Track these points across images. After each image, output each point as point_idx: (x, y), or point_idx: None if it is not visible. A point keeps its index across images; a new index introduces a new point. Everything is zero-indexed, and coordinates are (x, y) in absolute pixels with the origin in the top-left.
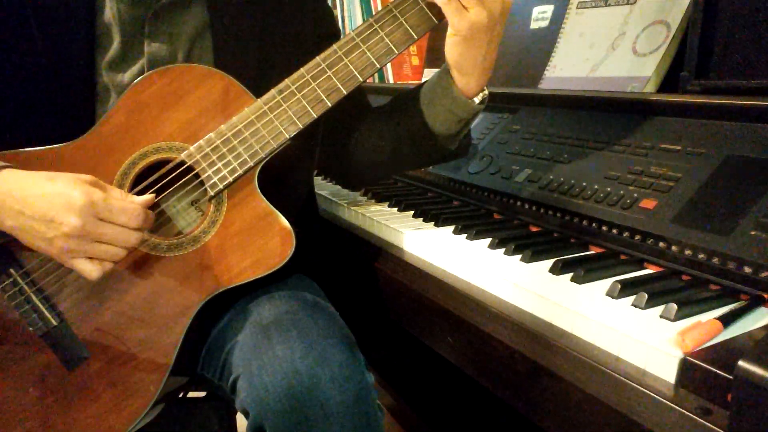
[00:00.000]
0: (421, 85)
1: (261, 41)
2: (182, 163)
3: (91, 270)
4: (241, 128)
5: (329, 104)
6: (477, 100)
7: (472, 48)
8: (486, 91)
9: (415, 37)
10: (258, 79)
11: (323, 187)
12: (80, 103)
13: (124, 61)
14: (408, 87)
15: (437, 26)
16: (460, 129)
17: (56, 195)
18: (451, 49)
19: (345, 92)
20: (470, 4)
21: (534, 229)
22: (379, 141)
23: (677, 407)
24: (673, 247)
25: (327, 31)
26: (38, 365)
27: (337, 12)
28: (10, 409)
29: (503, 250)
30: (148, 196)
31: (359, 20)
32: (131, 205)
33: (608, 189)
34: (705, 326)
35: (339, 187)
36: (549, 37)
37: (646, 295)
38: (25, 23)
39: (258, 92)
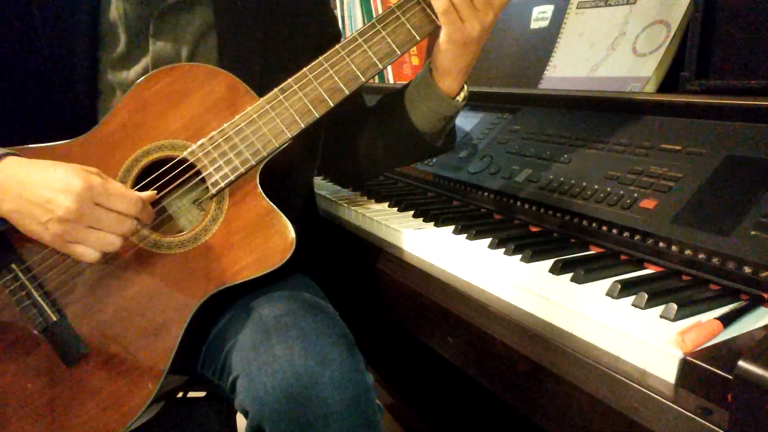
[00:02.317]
0: (404, 87)
1: (265, 42)
2: (184, 160)
3: (83, 252)
4: (243, 126)
5: (331, 104)
6: (459, 98)
7: (462, 56)
8: (466, 88)
9: (418, 38)
10: (262, 79)
11: (323, 187)
12: (83, 101)
13: (129, 60)
14: (396, 87)
15: (438, 27)
16: (444, 126)
17: (56, 179)
18: (443, 55)
19: (347, 92)
20: (466, 17)
21: (534, 229)
22: (372, 143)
23: (677, 407)
24: (673, 247)
25: (329, 33)
26: (37, 361)
27: (337, 12)
28: (8, 404)
29: (503, 250)
30: (150, 192)
31: (359, 21)
32: (130, 192)
33: (608, 189)
34: (705, 326)
35: (339, 187)
36: (549, 37)
37: (646, 295)
38: (30, 22)
39: (262, 92)
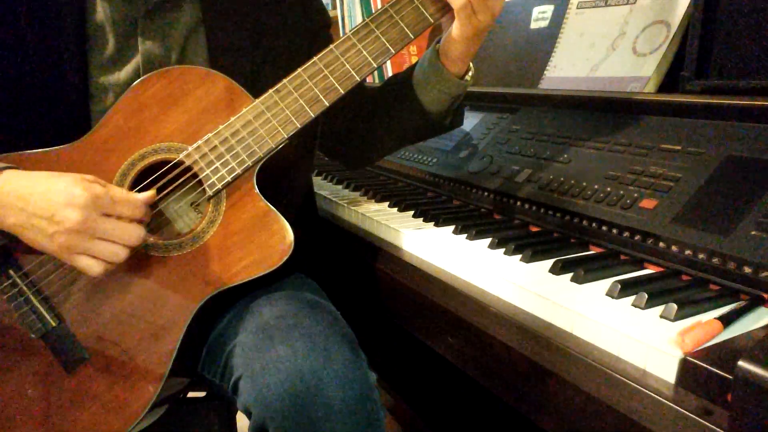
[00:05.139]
0: (407, 73)
1: (254, 36)
2: (181, 163)
3: (92, 265)
4: (239, 128)
5: (327, 103)
6: (468, 77)
7: (474, 44)
8: (472, 66)
9: (411, 36)
10: (254, 74)
11: (323, 187)
12: (75, 104)
13: (120, 60)
14: (397, 77)
15: (436, 26)
16: (452, 104)
17: (58, 192)
18: (456, 46)
19: (342, 91)
20: (479, 10)
21: (534, 229)
22: (377, 126)
23: (677, 407)
24: (673, 247)
25: (319, 23)
26: (38, 367)
27: (337, 12)
28: (9, 411)
29: (503, 250)
30: (150, 192)
31: (359, 20)
32: (133, 197)
33: (608, 189)
34: (705, 326)
35: (339, 187)
36: (549, 37)
37: (646, 295)
38: (16, 25)
39: (254, 87)
